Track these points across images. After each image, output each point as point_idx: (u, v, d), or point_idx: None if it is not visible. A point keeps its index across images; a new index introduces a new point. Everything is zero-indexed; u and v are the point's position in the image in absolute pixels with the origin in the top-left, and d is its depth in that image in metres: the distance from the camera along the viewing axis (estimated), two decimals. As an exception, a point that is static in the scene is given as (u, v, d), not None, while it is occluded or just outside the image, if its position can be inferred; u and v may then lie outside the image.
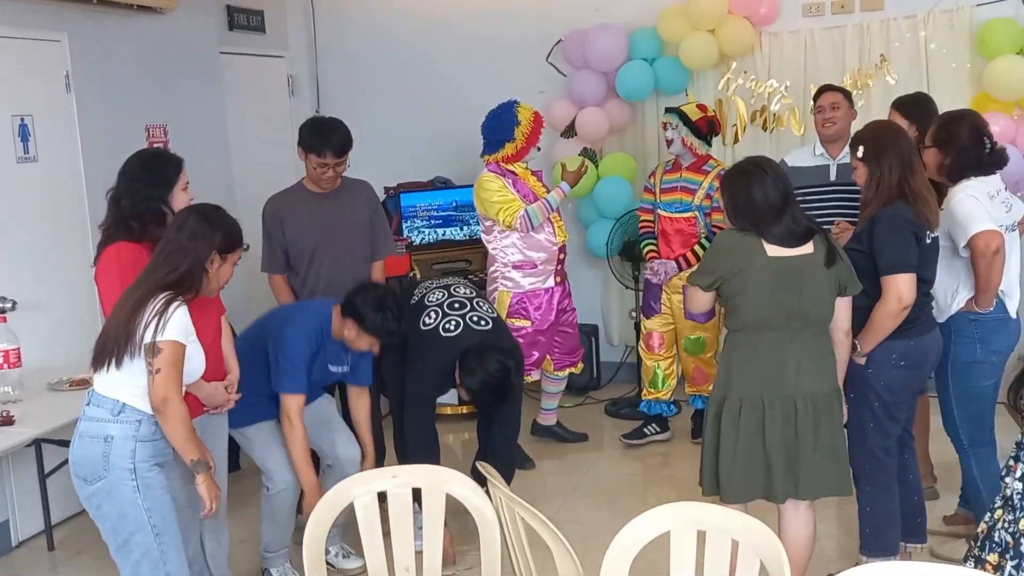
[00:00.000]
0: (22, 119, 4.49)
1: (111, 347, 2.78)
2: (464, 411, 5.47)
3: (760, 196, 3.06)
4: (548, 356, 5.17)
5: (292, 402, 3.59)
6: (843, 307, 3.16)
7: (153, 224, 3.15)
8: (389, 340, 3.63)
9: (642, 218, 5.21)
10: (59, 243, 4.68)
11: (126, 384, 2.80)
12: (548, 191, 5.00)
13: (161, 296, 2.78)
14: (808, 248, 3.07)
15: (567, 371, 5.27)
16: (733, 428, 3.11)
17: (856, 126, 5.29)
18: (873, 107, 5.45)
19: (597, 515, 4.39)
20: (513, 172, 4.92)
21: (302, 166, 4.23)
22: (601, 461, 5.19)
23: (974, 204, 3.48)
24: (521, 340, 4.65)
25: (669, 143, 5.00)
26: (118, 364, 2.77)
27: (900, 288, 3.17)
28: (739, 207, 3.10)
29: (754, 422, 3.09)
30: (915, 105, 4.15)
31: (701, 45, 5.65)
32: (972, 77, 5.42)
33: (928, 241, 3.27)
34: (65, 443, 4.09)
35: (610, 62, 5.88)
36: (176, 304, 2.78)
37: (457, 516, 2.73)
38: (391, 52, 6.53)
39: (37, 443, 4.15)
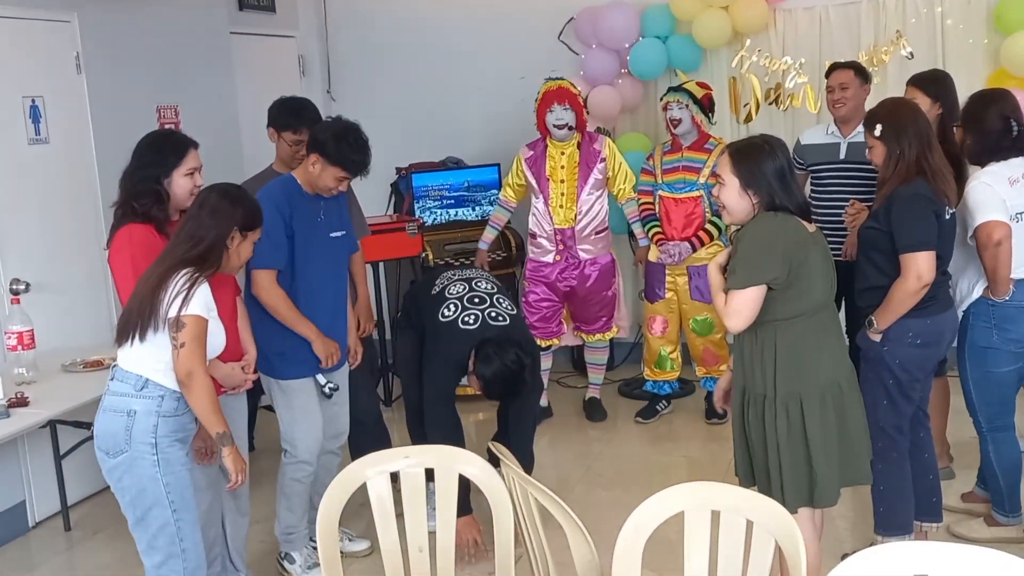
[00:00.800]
0: (33, 100, 4.48)
1: (135, 321, 2.80)
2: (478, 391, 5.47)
3: (777, 167, 2.85)
4: (575, 325, 5.40)
5: (261, 277, 3.54)
6: None
7: (150, 204, 3.13)
8: (353, 170, 3.54)
9: (641, 200, 5.19)
10: (71, 224, 4.69)
11: (149, 359, 2.82)
12: (574, 173, 5.07)
13: (184, 271, 2.80)
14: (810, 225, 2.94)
15: (596, 336, 5.38)
16: (823, 424, 2.86)
17: (872, 102, 5.33)
18: (890, 82, 5.39)
19: (610, 495, 4.39)
20: (545, 146, 5.12)
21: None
22: (615, 441, 5.18)
23: (986, 192, 3.44)
24: (525, 304, 5.22)
25: (676, 123, 4.97)
26: (141, 338, 2.79)
27: (920, 266, 3.13)
28: (762, 180, 2.83)
29: (837, 409, 2.90)
30: (935, 82, 4.08)
31: (714, 22, 5.60)
32: (989, 53, 5.36)
33: (947, 218, 3.25)
34: (81, 424, 4.15)
35: (622, 40, 5.84)
36: (200, 279, 2.80)
37: (471, 494, 2.72)
38: (402, 32, 6.49)
39: (52, 424, 4.18)
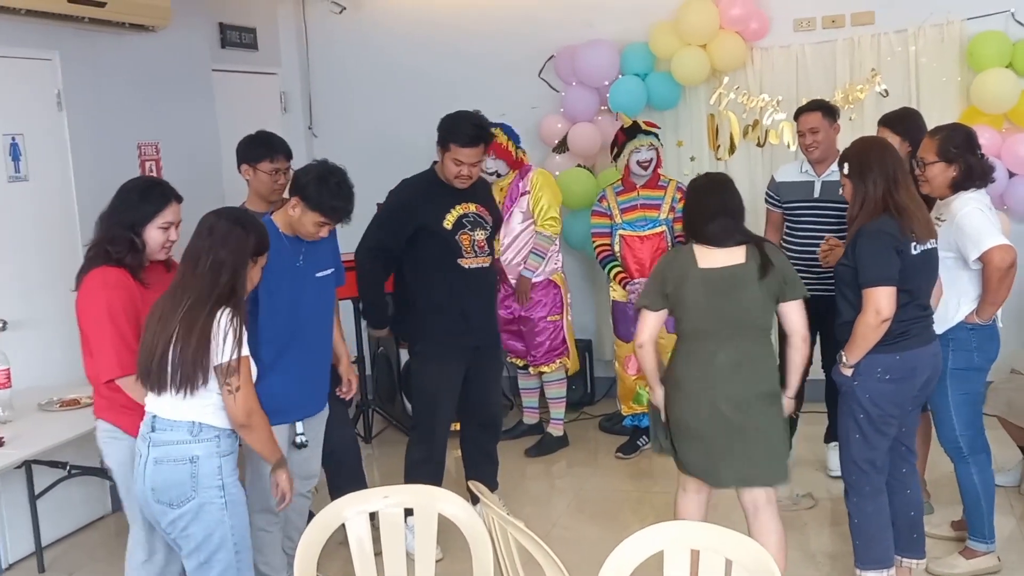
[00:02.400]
0: (13, 138, 4.48)
1: (188, 373, 2.74)
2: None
3: (700, 200, 3.34)
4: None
5: None
6: (793, 312, 3.29)
7: (124, 250, 3.08)
8: (333, 216, 3.44)
9: (598, 243, 5.28)
10: (49, 263, 4.66)
11: (198, 404, 2.81)
12: (498, 204, 5.06)
13: (221, 312, 2.77)
14: (739, 258, 3.23)
15: (542, 368, 5.44)
16: (675, 414, 3.37)
17: (848, 139, 5.40)
18: (866, 119, 5.47)
19: (591, 532, 4.37)
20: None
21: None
22: (595, 477, 5.17)
23: (982, 217, 3.50)
24: None
25: (647, 164, 5.07)
26: (193, 391, 2.77)
27: (879, 301, 3.19)
28: (687, 212, 3.43)
29: (690, 415, 3.31)
30: (903, 120, 4.17)
31: (693, 60, 5.67)
32: (961, 90, 5.45)
33: (916, 253, 3.26)
34: (56, 464, 4.11)
35: (602, 77, 5.90)
36: (239, 318, 2.79)
37: (449, 534, 2.71)
38: (383, 69, 6.54)
39: (27, 464, 4.13)
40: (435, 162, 4.28)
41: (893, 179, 3.26)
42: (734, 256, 3.24)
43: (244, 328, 2.80)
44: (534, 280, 5.29)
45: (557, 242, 5.35)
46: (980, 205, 3.55)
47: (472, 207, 4.23)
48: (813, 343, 4.48)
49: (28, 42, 4.56)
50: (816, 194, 4.52)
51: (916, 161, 3.66)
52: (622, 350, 5.35)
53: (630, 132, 5.14)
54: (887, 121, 4.19)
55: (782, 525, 3.39)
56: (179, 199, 3.22)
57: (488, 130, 4.16)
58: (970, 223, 3.50)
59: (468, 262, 4.20)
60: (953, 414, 3.65)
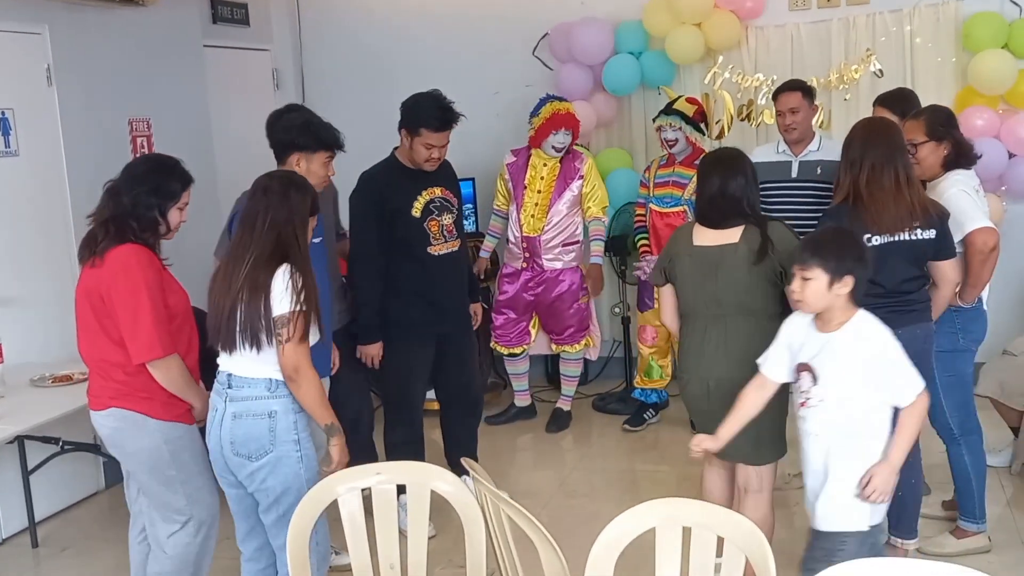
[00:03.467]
0: (3, 113, 4.45)
1: (253, 330, 2.79)
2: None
3: (701, 177, 3.32)
4: (549, 336, 5.48)
5: None
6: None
7: (148, 231, 3.05)
8: (336, 145, 3.64)
9: (637, 212, 5.35)
10: (40, 238, 4.65)
11: (271, 362, 2.85)
12: (551, 185, 5.21)
13: (282, 268, 2.81)
14: (732, 237, 3.20)
15: (565, 348, 5.47)
16: (681, 385, 3.44)
17: (843, 118, 5.39)
18: (861, 100, 5.45)
19: (584, 510, 4.39)
20: (529, 155, 5.26)
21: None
22: (589, 456, 5.19)
23: (968, 200, 3.49)
24: (498, 304, 5.41)
25: (671, 144, 5.08)
26: (259, 346, 2.80)
27: None
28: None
29: (690, 389, 3.37)
30: (901, 101, 4.13)
31: (687, 39, 5.64)
32: (957, 71, 5.43)
33: (873, 244, 3.20)
34: (49, 439, 4.11)
35: (596, 56, 5.87)
36: (298, 274, 2.82)
37: (442, 511, 2.72)
38: (376, 45, 6.50)
39: (20, 440, 4.12)
40: (395, 148, 4.24)
41: (871, 167, 3.24)
42: (727, 236, 3.21)
43: (304, 284, 2.82)
44: (567, 267, 5.29)
45: None
46: (966, 187, 3.54)
47: (438, 191, 4.21)
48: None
49: (18, 16, 4.52)
50: (794, 174, 4.52)
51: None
52: (639, 321, 5.44)
53: (664, 107, 5.18)
54: (884, 100, 4.16)
55: (771, 513, 3.36)
56: (192, 180, 3.19)
57: (454, 111, 4.09)
58: (955, 205, 3.47)
59: (437, 249, 4.19)
60: (942, 396, 3.65)
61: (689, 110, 5.10)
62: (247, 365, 2.87)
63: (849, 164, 3.30)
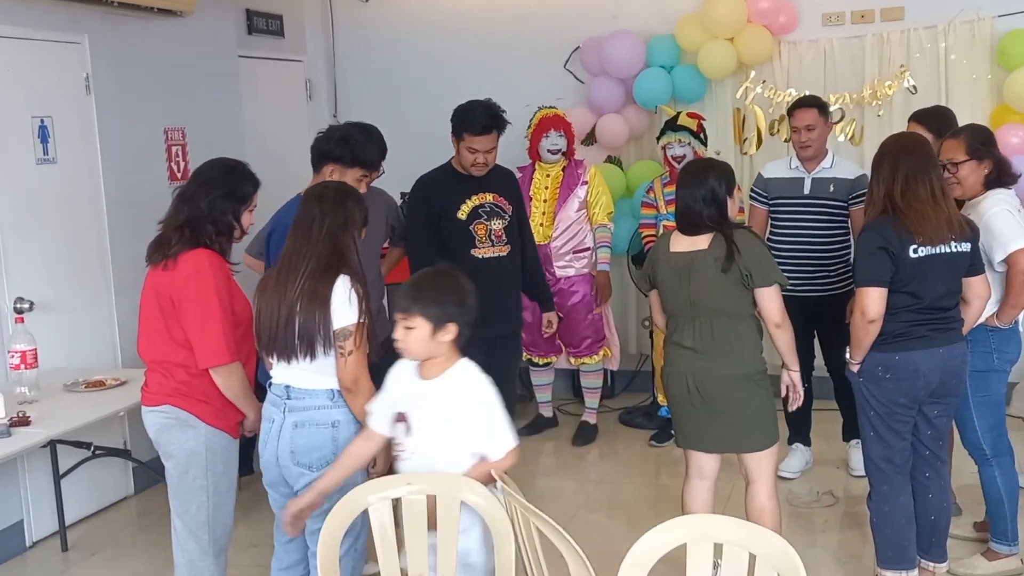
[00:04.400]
0: (42, 120, 4.51)
1: (310, 340, 2.81)
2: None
3: (679, 186, 3.46)
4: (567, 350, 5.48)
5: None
6: (762, 299, 3.35)
7: (224, 235, 3.08)
8: (372, 167, 3.72)
9: (645, 234, 5.33)
10: (76, 245, 4.70)
11: (328, 372, 2.87)
12: (556, 193, 5.28)
13: (341, 278, 2.83)
14: (703, 244, 3.35)
15: (583, 360, 5.47)
16: (668, 390, 3.58)
17: (875, 134, 5.36)
18: (895, 116, 5.43)
19: (611, 524, 4.38)
20: (533, 169, 5.34)
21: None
22: (616, 469, 5.16)
23: (1010, 219, 3.47)
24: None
25: (679, 160, 5.06)
26: (313, 356, 2.82)
27: (863, 301, 3.23)
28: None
29: (672, 386, 3.51)
30: (937, 118, 4.12)
31: (719, 53, 5.64)
32: (992, 88, 5.39)
33: (917, 256, 3.20)
34: (81, 444, 4.14)
35: (628, 69, 5.88)
36: (357, 284, 2.85)
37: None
38: (408, 58, 6.54)
39: (52, 444, 4.16)
40: (453, 156, 4.34)
41: (903, 178, 3.22)
42: (698, 243, 3.37)
43: (362, 294, 2.84)
44: (579, 274, 5.31)
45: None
46: (1009, 206, 3.52)
47: (489, 197, 4.29)
48: (809, 343, 4.54)
49: (57, 26, 4.58)
50: (806, 191, 4.51)
51: (944, 164, 3.62)
52: (659, 338, 5.34)
53: (667, 124, 5.16)
54: (919, 117, 4.15)
55: (774, 500, 3.50)
56: (260, 181, 3.22)
57: (500, 117, 4.21)
58: (999, 223, 3.46)
59: (482, 252, 4.27)
60: (975, 416, 3.62)
61: (692, 125, 5.11)
62: (308, 377, 2.88)
63: (882, 177, 3.28)
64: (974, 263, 3.32)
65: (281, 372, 2.92)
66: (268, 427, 2.96)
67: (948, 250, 3.24)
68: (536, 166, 5.34)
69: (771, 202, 4.64)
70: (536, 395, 5.71)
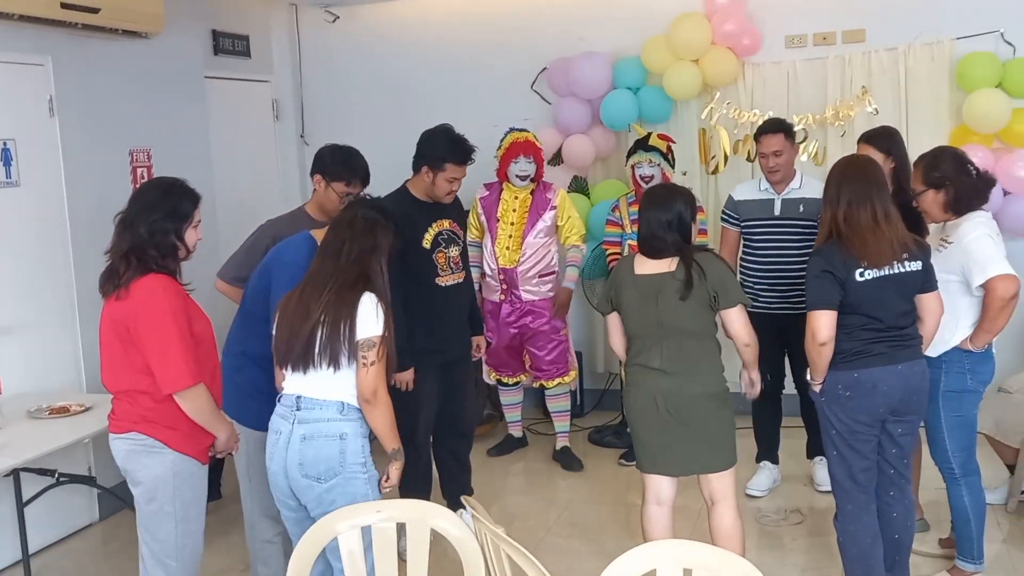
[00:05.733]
0: (4, 143, 4.46)
1: (334, 351, 2.88)
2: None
3: (643, 210, 3.52)
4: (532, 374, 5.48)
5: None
6: (728, 319, 3.46)
7: (168, 256, 3.05)
8: (351, 176, 3.87)
9: (609, 252, 5.34)
10: (39, 268, 4.65)
11: (343, 385, 2.93)
12: (524, 217, 5.26)
13: (367, 294, 2.92)
14: (669, 267, 3.42)
15: (551, 382, 5.46)
16: (632, 413, 3.61)
17: (840, 154, 5.42)
18: (857, 136, 5.45)
19: (582, 547, 4.38)
20: (501, 189, 5.31)
21: (289, 190, 4.18)
22: (587, 489, 5.17)
23: (990, 244, 3.51)
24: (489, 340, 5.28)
25: (647, 180, 5.06)
26: (337, 366, 2.89)
27: (813, 324, 3.31)
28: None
29: (638, 408, 3.54)
30: (885, 137, 4.17)
31: (685, 75, 5.70)
32: (952, 109, 5.49)
33: (864, 279, 3.26)
34: (45, 471, 4.08)
35: (594, 90, 5.92)
36: (382, 302, 2.93)
37: (439, 545, 2.71)
38: (375, 78, 6.55)
39: (16, 472, 4.10)
40: (406, 181, 4.32)
41: (847, 203, 3.29)
42: (664, 266, 3.43)
43: (387, 311, 2.93)
44: (543, 298, 5.32)
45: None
46: (990, 230, 3.56)
47: (446, 223, 4.32)
48: (780, 360, 4.60)
49: (21, 47, 4.54)
50: (777, 212, 4.57)
51: (911, 193, 3.69)
52: None
53: (637, 144, 5.19)
54: (869, 138, 4.21)
55: (739, 519, 3.55)
56: (200, 196, 3.19)
57: (470, 143, 4.24)
58: (979, 247, 3.50)
59: (444, 279, 4.29)
60: (946, 435, 3.66)
61: (662, 146, 5.15)
62: (320, 387, 2.93)
63: (828, 201, 3.37)
64: (927, 281, 3.37)
65: (295, 382, 2.98)
66: (275, 439, 3.00)
67: (897, 270, 3.29)
68: (504, 186, 5.33)
69: (743, 224, 4.69)
70: (505, 415, 5.72)
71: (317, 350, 2.89)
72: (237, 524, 4.19)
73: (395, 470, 3.03)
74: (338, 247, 2.99)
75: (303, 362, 2.92)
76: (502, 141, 5.32)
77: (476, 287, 5.45)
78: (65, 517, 4.70)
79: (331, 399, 2.93)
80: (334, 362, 2.89)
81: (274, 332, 3.05)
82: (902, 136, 4.31)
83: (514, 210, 5.27)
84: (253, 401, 3.39)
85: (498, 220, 5.28)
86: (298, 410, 2.95)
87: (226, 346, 3.60)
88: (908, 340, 3.39)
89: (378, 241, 3.02)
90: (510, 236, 5.27)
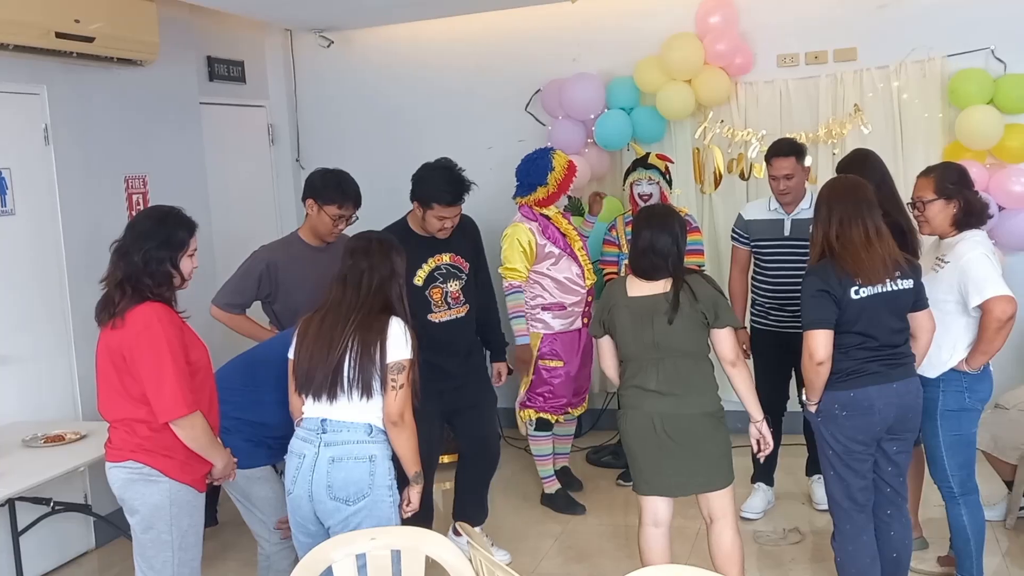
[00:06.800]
0: (0, 172, 4.47)
1: (366, 379, 2.95)
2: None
3: (636, 233, 3.52)
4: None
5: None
6: (718, 340, 3.45)
7: (163, 285, 3.05)
8: (343, 199, 3.98)
9: (606, 271, 5.29)
10: (35, 296, 4.65)
11: (373, 408, 2.99)
12: (579, 234, 5.07)
13: (394, 319, 3.00)
14: (662, 288, 3.44)
15: (576, 410, 5.23)
16: (628, 435, 3.57)
17: (829, 175, 5.43)
18: (849, 155, 5.51)
19: (579, 570, 4.36)
20: (546, 216, 4.93)
21: (285, 215, 4.19)
22: (586, 510, 5.14)
23: (988, 264, 3.51)
24: (556, 381, 4.94)
25: (645, 198, 5.03)
26: (370, 395, 2.97)
27: (810, 344, 3.33)
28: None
29: (635, 430, 3.52)
30: (854, 164, 4.10)
31: (678, 95, 5.72)
32: (944, 126, 5.50)
33: (859, 297, 3.28)
34: (40, 500, 4.07)
35: (588, 111, 5.95)
36: (408, 327, 3.02)
37: (433, 568, 2.71)
38: (371, 102, 6.58)
39: (11, 502, 4.09)
40: (408, 212, 4.25)
41: (839, 222, 3.32)
42: (657, 287, 3.45)
43: (414, 336, 3.01)
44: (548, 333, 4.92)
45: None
46: (987, 250, 3.56)
47: (446, 258, 4.22)
48: (787, 378, 4.58)
49: (16, 76, 4.56)
50: (786, 232, 4.57)
51: (913, 202, 3.68)
52: None
53: (636, 162, 5.16)
54: (839, 168, 4.15)
55: (739, 537, 3.55)
56: (196, 224, 3.20)
57: (466, 182, 4.09)
58: (977, 267, 3.50)
59: (438, 316, 4.20)
60: (944, 455, 3.66)
61: (661, 165, 5.13)
62: (348, 411, 2.98)
63: (819, 221, 3.39)
64: (918, 299, 3.39)
65: (319, 408, 3.01)
66: (298, 463, 3.02)
67: (890, 288, 3.31)
68: (548, 212, 4.94)
69: (752, 243, 4.69)
70: (538, 468, 5.24)
71: (347, 378, 2.95)
72: (234, 550, 4.19)
73: (415, 494, 3.07)
74: (358, 276, 3.06)
75: (328, 391, 2.98)
76: (549, 164, 4.86)
77: (526, 339, 4.86)
78: (61, 546, 4.68)
79: (359, 421, 2.99)
80: (366, 391, 2.96)
81: (291, 357, 3.12)
82: (880, 158, 4.22)
83: (572, 229, 5.03)
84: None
85: (570, 244, 4.95)
86: (324, 432, 2.99)
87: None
88: (902, 358, 3.40)
89: (395, 267, 3.11)
90: (585, 255, 5.01)
